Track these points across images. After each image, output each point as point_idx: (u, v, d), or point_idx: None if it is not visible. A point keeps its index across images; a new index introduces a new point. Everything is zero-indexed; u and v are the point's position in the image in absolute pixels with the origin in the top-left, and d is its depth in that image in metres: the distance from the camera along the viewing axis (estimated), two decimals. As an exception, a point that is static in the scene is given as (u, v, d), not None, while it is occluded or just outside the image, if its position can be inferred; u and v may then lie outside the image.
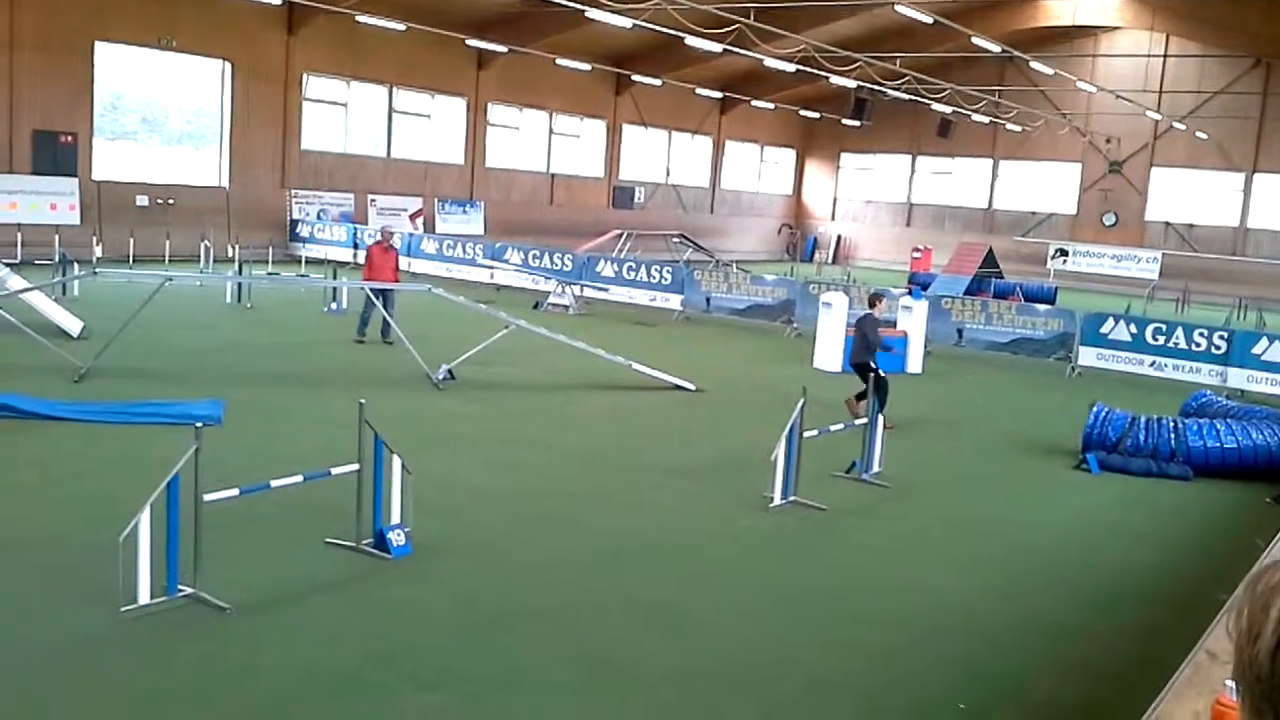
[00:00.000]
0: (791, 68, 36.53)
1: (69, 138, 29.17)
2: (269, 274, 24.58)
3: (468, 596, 6.97)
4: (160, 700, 5.34)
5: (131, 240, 27.15)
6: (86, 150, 29.63)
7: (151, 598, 6.25)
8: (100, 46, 29.40)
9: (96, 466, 9.36)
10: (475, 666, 5.96)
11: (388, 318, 16.16)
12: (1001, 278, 33.78)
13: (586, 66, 39.69)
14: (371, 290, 16.45)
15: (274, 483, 7.18)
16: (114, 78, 30.78)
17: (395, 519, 7.57)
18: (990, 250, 34.25)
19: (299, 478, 7.34)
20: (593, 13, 29.02)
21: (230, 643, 6.02)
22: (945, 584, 7.89)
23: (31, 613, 6.27)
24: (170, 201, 30.90)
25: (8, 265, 17.86)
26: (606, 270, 25.64)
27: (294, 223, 33.52)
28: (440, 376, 13.84)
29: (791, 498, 9.36)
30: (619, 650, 6.35)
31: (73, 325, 15.69)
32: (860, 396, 12.47)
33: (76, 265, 20.61)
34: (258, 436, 10.66)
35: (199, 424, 6.52)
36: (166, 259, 26.39)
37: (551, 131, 42.71)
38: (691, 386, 14.61)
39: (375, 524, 7.50)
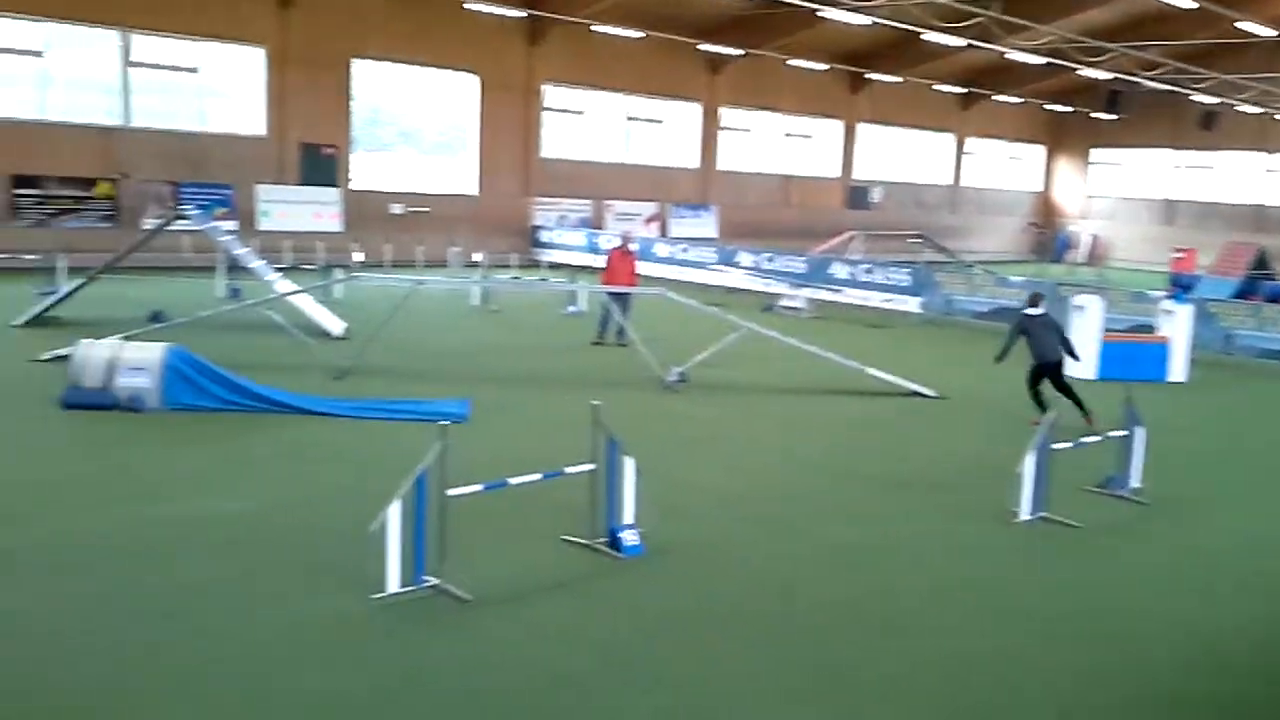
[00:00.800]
0: (1039, 60, 34.93)
1: (331, 150, 31.17)
2: (512, 278, 25.48)
3: (698, 598, 6.94)
4: (403, 686, 5.56)
5: (388, 246, 28.78)
6: (346, 162, 31.59)
7: (401, 587, 6.52)
8: (356, 63, 31.26)
9: (353, 459, 9.91)
10: (704, 670, 5.92)
11: (622, 321, 16.43)
12: (1274, 280, 31.13)
13: (821, 66, 39.22)
14: (609, 294, 16.77)
15: (513, 480, 7.38)
16: (373, 92, 32.63)
17: (628, 518, 7.64)
18: (1262, 251, 31.66)
19: (537, 475, 7.51)
20: (827, 11, 28.62)
21: (470, 634, 6.21)
22: (1202, 613, 7.27)
23: (290, 594, 6.66)
24: (423, 210, 32.54)
25: (277, 270, 19.21)
26: (840, 272, 25.21)
27: (535, 228, 34.67)
28: (673, 379, 13.94)
29: (1040, 514, 8.87)
30: (849, 660, 6.17)
31: (335, 326, 16.74)
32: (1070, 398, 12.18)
33: (338, 270, 22.01)
34: (499, 434, 11.02)
35: (446, 421, 6.76)
36: (419, 264, 27.80)
37: (785, 133, 42.43)
38: (931, 393, 14.14)
39: (609, 523, 7.59)
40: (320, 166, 30.88)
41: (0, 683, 5.35)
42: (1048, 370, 12.49)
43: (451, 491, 6.66)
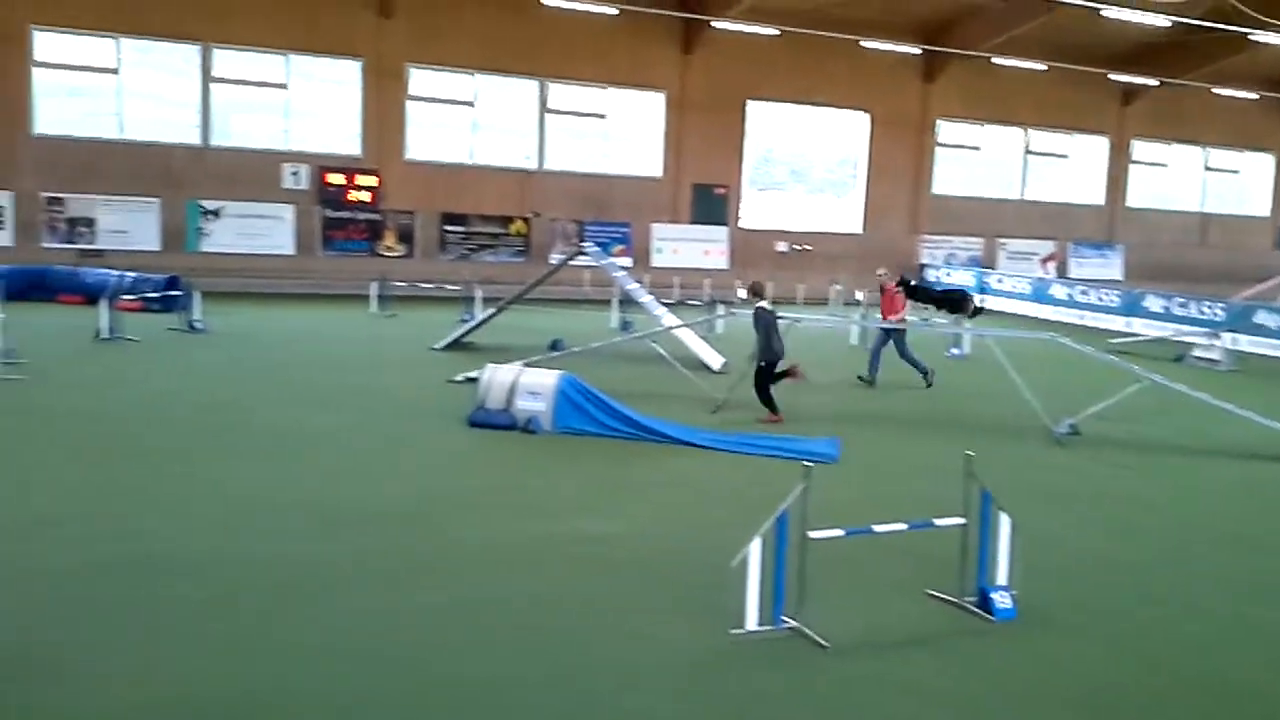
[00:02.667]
0: None
1: (723, 189, 32.17)
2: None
3: (1072, 673, 6.40)
4: (756, 727, 5.52)
5: (770, 283, 29.22)
6: (737, 201, 32.49)
7: (759, 625, 6.52)
8: (751, 105, 32.09)
9: (723, 491, 10.08)
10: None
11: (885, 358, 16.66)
12: None
13: (1250, 95, 35.63)
14: (885, 330, 16.69)
15: (877, 527, 7.18)
16: (765, 132, 33.36)
17: (1001, 579, 7.21)
18: None
19: (903, 525, 7.27)
20: (1260, 35, 25.96)
21: (824, 681, 6.08)
22: None
23: (652, 619, 6.84)
24: (807, 248, 32.81)
25: (665, 305, 20.03)
26: (1268, 321, 22.64)
27: (922, 267, 33.94)
28: (1063, 430, 13.07)
29: None
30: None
31: (714, 361, 17.18)
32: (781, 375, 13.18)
33: (721, 306, 22.59)
34: (867, 477, 10.82)
35: (814, 461, 6.70)
36: (800, 301, 27.99)
37: (1206, 167, 38.90)
38: (1372, 462, 12.32)
39: (979, 581, 7.19)
40: (711, 206, 31.99)
41: (389, 672, 5.88)
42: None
43: (813, 534, 6.59)
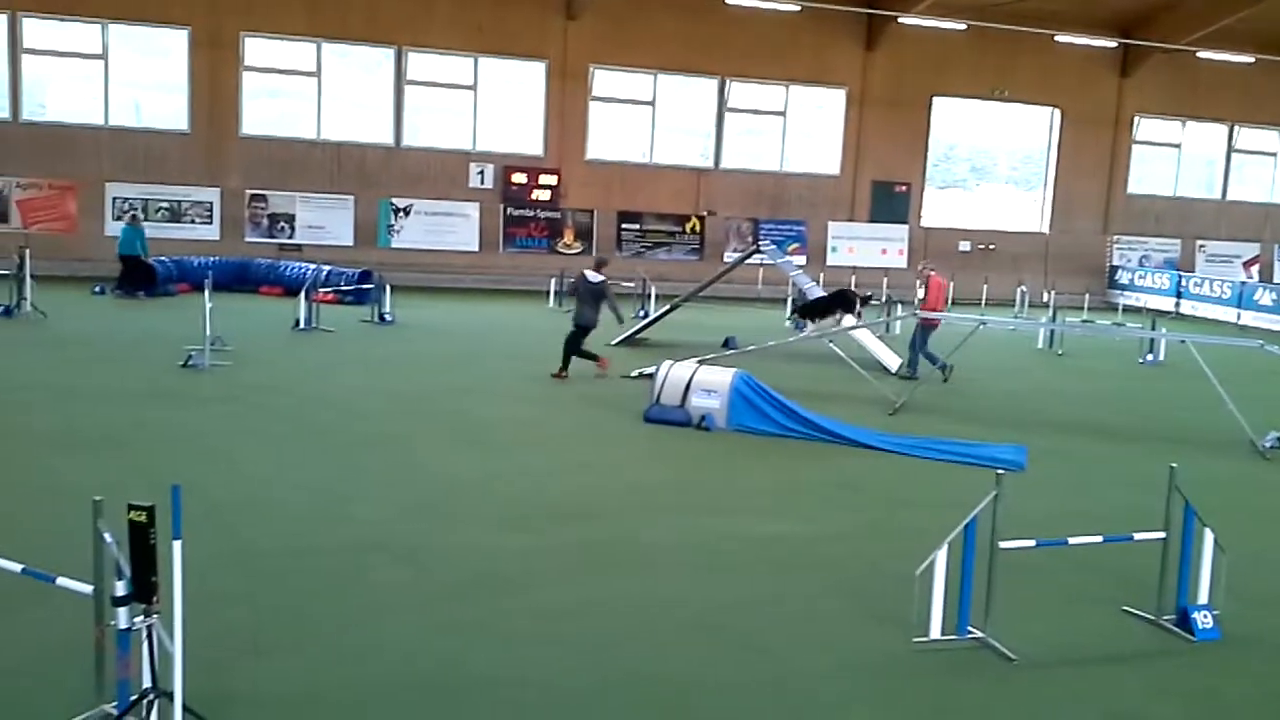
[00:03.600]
0: None
1: (903, 187, 31.53)
2: (1083, 321, 24.07)
3: (1276, 702, 6.04)
4: (941, 738, 5.42)
5: (951, 283, 28.49)
6: (918, 198, 31.79)
7: (941, 634, 6.39)
8: (937, 101, 31.36)
9: (900, 495, 9.91)
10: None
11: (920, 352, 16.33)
12: None
13: None
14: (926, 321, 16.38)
15: (1072, 539, 6.93)
16: (948, 129, 32.54)
17: (1203, 598, 6.85)
18: None
19: (1098, 538, 6.99)
20: None
21: (1011, 695, 5.91)
22: None
23: (831, 624, 6.78)
24: (990, 247, 31.84)
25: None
26: None
27: (1113, 269, 32.51)
28: (1270, 443, 12.32)
29: None
30: None
31: (892, 362, 16.88)
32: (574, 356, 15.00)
33: (900, 306, 22.18)
34: (1056, 487, 10.44)
35: (1002, 469, 6.53)
36: (983, 302, 27.21)
37: None
38: None
39: (1179, 600, 6.86)
40: (891, 203, 31.39)
41: (581, 662, 6.00)
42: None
43: (1004, 544, 6.40)
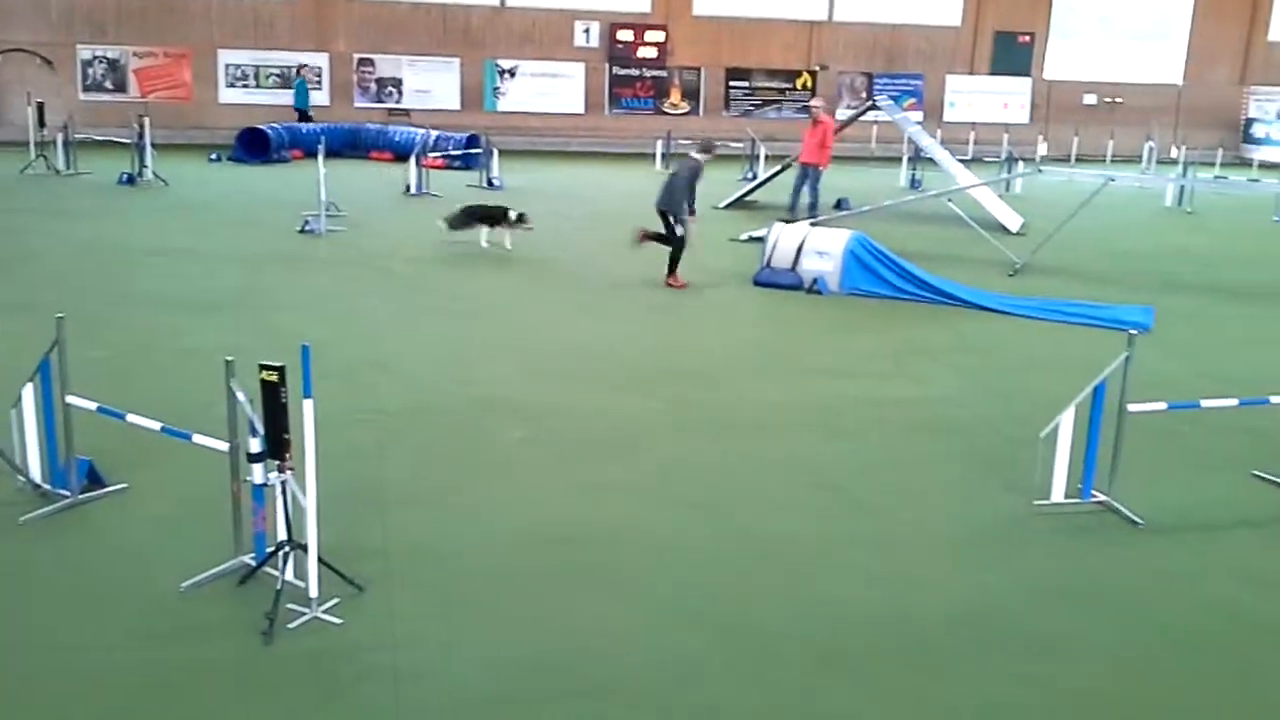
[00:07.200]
0: None
1: (1026, 37, 30.04)
2: (1215, 177, 22.91)
3: None
4: (1058, 597, 5.35)
5: (1075, 139, 27.30)
6: (1042, 50, 30.29)
7: (1065, 497, 6.28)
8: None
9: (1023, 358, 9.68)
10: None
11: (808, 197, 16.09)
12: None
13: None
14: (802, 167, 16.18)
15: (1205, 402, 6.68)
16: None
17: (1343, 463, 6.59)
18: None
19: (1233, 401, 6.74)
20: None
21: (1134, 558, 5.80)
22: None
23: (954, 486, 6.70)
24: (1118, 100, 30.35)
25: (960, 161, 19.12)
26: None
27: (1249, 121, 30.75)
28: None
29: None
30: None
31: (1013, 221, 16.34)
32: (651, 236, 12.43)
33: (1021, 163, 21.37)
34: (1184, 348, 10.09)
35: (1130, 330, 6.29)
36: (1108, 159, 26.06)
37: None
38: None
39: (1318, 466, 6.61)
40: (1014, 55, 30.00)
41: (700, 518, 6.07)
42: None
43: (1133, 407, 6.21)
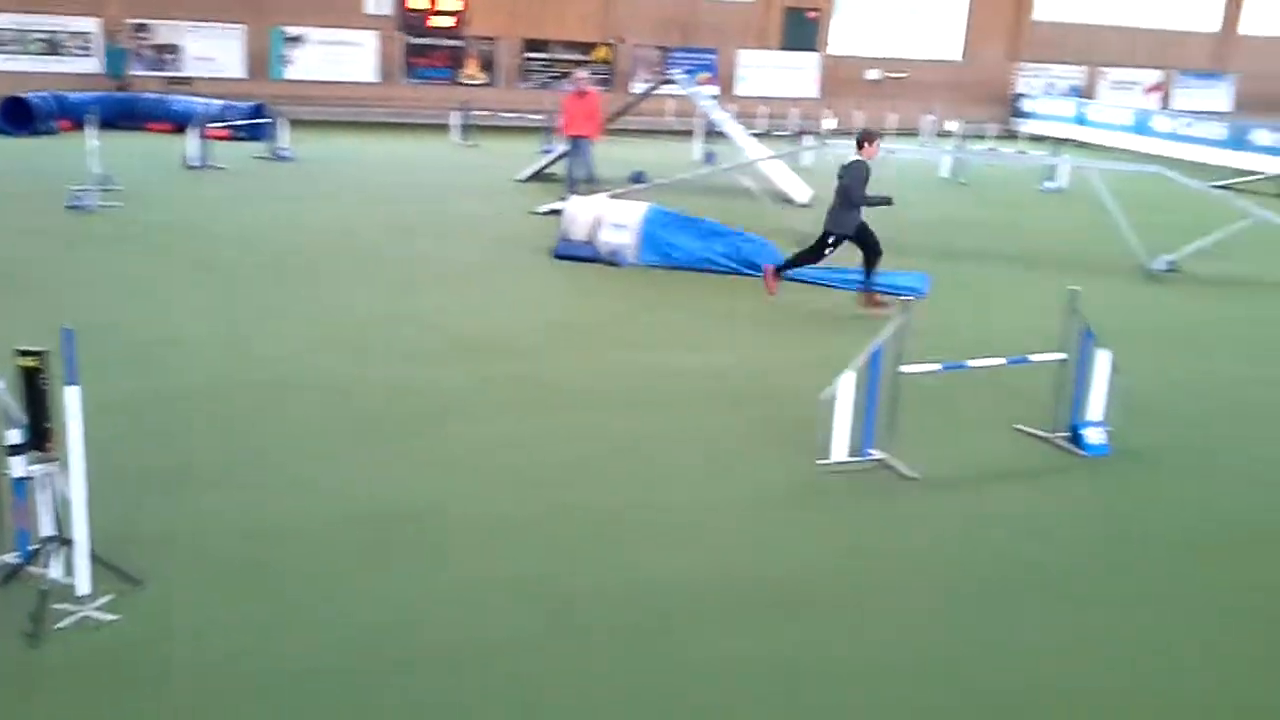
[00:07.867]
0: None
1: (814, 13, 30.97)
2: (987, 149, 24.27)
3: (1164, 509, 6.37)
4: (848, 555, 5.62)
5: (859, 113, 28.39)
6: (827, 25, 31.30)
7: (848, 456, 6.57)
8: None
9: (812, 325, 10.05)
10: (1174, 585, 5.43)
11: (574, 172, 15.95)
12: None
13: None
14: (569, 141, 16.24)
15: (971, 362, 7.11)
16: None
17: (1095, 415, 7.13)
18: None
19: (1000, 360, 7.19)
20: None
21: (916, 512, 6.14)
22: None
23: (743, 450, 6.92)
24: (901, 75, 31.68)
25: (753, 135, 19.61)
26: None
27: (1017, 97, 32.67)
28: (1160, 266, 12.71)
29: None
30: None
31: (802, 193, 16.88)
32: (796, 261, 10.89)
33: (808, 137, 22.07)
34: (956, 313, 10.68)
35: (906, 296, 6.62)
36: (892, 133, 27.21)
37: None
38: None
39: (1071, 418, 7.13)
40: (802, 30, 30.88)
41: (500, 496, 6.07)
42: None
43: (905, 368, 6.55)
